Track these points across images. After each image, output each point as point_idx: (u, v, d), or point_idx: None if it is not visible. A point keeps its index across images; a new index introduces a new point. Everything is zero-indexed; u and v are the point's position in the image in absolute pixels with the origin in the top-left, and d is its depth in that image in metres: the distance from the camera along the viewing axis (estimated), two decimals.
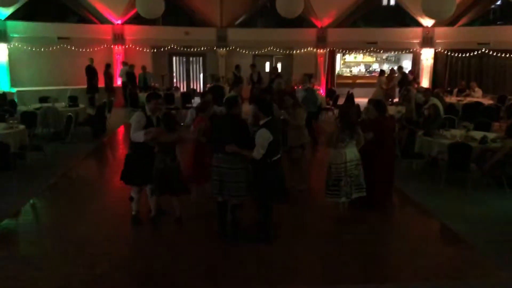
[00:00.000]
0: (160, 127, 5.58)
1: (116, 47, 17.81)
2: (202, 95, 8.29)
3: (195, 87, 19.92)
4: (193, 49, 18.76)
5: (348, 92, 14.63)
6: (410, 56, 19.91)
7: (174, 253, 5.15)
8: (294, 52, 19.37)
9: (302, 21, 18.52)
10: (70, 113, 9.89)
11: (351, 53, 21.19)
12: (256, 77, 15.49)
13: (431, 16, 12.71)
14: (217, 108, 6.74)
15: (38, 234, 5.79)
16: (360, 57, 21.55)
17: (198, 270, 4.78)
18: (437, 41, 18.11)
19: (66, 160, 9.07)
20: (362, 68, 21.70)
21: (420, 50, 18.60)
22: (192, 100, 15.36)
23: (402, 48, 19.24)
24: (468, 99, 13.59)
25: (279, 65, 19.87)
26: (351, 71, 21.57)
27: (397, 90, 15.26)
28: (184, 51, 19.07)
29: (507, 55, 15.95)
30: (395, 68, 16.71)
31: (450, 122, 9.28)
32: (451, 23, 17.50)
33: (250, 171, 5.22)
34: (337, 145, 5.92)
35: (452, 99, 13.80)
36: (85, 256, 5.03)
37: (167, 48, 18.65)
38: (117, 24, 17.71)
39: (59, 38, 16.72)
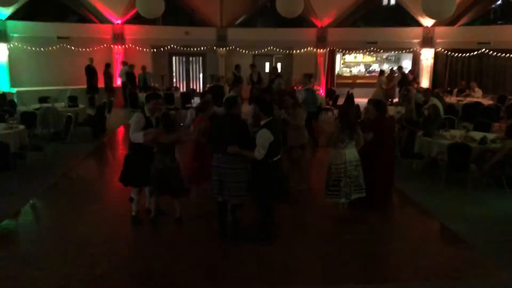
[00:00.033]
0: (159, 128, 5.57)
1: (116, 46, 17.81)
2: (202, 95, 8.29)
3: (194, 87, 19.92)
4: (193, 49, 18.76)
5: (348, 92, 14.62)
6: (410, 56, 19.91)
7: (174, 253, 5.15)
8: (294, 52, 19.38)
9: (302, 21, 18.52)
10: (69, 113, 9.89)
11: (351, 53, 21.18)
12: (256, 77, 15.48)
13: (431, 16, 12.70)
14: (217, 108, 6.74)
15: (38, 234, 5.80)
16: (360, 57, 21.54)
17: (198, 270, 4.78)
18: (437, 41, 18.12)
19: (66, 160, 9.06)
20: (362, 68, 21.69)
21: (420, 50, 18.60)
22: (192, 100, 15.36)
23: (402, 48, 19.25)
24: (468, 99, 13.59)
25: (279, 65, 19.86)
26: (351, 71, 21.56)
27: (397, 90, 15.27)
28: (184, 51, 19.07)
29: (507, 55, 15.95)
30: (395, 68, 16.72)
31: (450, 122, 9.28)
32: (451, 22, 17.51)
33: (250, 171, 5.23)
34: (336, 145, 5.93)
35: (452, 99, 13.80)
36: (85, 256, 5.03)
37: (167, 48, 18.65)
38: (117, 23, 17.71)
39: (59, 37, 16.72)
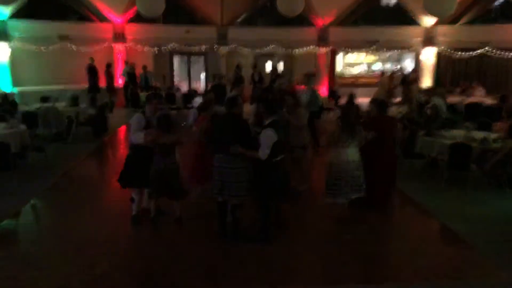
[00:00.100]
0: (160, 129, 5.57)
1: (117, 46, 17.81)
2: (203, 94, 8.29)
3: (196, 87, 19.90)
4: (194, 49, 18.74)
5: (350, 92, 14.56)
6: (412, 55, 19.85)
7: (174, 253, 5.15)
8: (295, 51, 19.35)
9: (303, 20, 18.50)
10: (71, 113, 9.90)
11: (353, 52, 21.12)
12: (257, 76, 15.48)
13: (432, 14, 12.69)
14: (218, 107, 6.72)
15: (38, 234, 5.80)
16: (361, 56, 21.48)
17: (198, 270, 4.78)
18: (439, 40, 18.07)
19: (67, 160, 9.07)
20: (363, 68, 21.62)
21: (422, 49, 18.56)
22: (193, 100, 15.32)
23: (404, 47, 19.20)
24: (470, 99, 13.55)
25: (280, 64, 19.84)
26: (352, 71, 21.49)
27: (399, 89, 15.23)
28: (185, 51, 19.04)
29: (510, 54, 15.91)
30: (397, 67, 16.69)
31: (452, 122, 9.26)
32: (453, 21, 17.48)
33: (251, 171, 5.22)
34: (338, 144, 5.93)
35: (454, 98, 13.77)
36: (85, 256, 5.03)
37: (168, 47, 18.64)
38: (118, 22, 17.70)
39: (59, 36, 16.74)
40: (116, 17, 17.58)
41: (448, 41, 17.87)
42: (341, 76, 20.68)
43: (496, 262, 4.98)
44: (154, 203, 5.89)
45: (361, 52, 20.92)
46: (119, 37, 17.70)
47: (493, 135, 8.04)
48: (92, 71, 16.10)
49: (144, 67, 16.12)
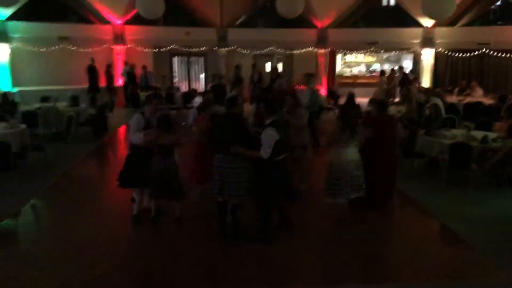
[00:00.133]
0: (159, 129, 5.57)
1: (117, 47, 17.81)
2: (203, 94, 8.29)
3: (196, 87, 19.89)
4: (194, 49, 18.74)
5: (349, 92, 14.57)
6: (411, 56, 19.89)
7: (174, 253, 5.15)
8: (295, 52, 19.36)
9: (302, 21, 18.50)
10: (71, 113, 9.90)
11: (352, 53, 21.16)
12: (257, 77, 15.49)
13: (431, 16, 12.71)
14: (218, 107, 6.72)
15: (38, 234, 5.80)
16: (360, 57, 21.52)
17: (198, 270, 4.78)
18: (438, 41, 18.12)
19: (67, 160, 9.07)
20: (362, 68, 21.67)
21: (421, 50, 18.59)
22: (193, 100, 15.32)
23: (403, 48, 19.22)
24: (469, 99, 13.57)
25: (279, 65, 19.85)
26: (351, 71, 21.53)
27: (397, 89, 15.26)
28: (185, 51, 19.04)
29: (508, 55, 15.93)
30: (396, 68, 16.71)
31: (451, 122, 9.27)
32: (451, 23, 17.51)
33: (251, 171, 5.22)
34: (338, 144, 5.93)
35: (453, 98, 13.78)
36: (85, 256, 5.03)
37: (168, 48, 18.64)
38: (118, 24, 17.71)
39: (59, 38, 16.73)
40: (116, 18, 17.57)
41: (447, 42, 17.89)
42: (341, 75, 20.70)
43: (496, 262, 4.98)
44: (154, 203, 5.89)
45: (360, 53, 20.97)
46: (119, 38, 17.68)
47: (492, 135, 8.06)
48: (92, 71, 16.11)
49: (144, 67, 16.13)
